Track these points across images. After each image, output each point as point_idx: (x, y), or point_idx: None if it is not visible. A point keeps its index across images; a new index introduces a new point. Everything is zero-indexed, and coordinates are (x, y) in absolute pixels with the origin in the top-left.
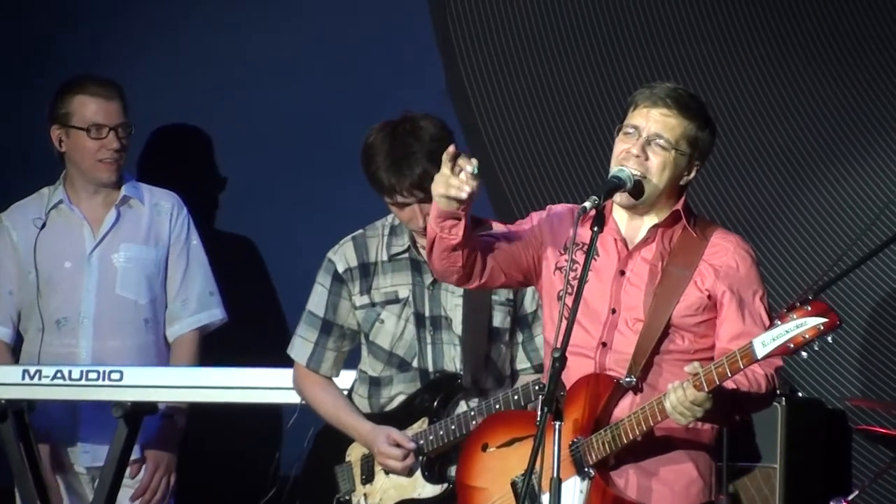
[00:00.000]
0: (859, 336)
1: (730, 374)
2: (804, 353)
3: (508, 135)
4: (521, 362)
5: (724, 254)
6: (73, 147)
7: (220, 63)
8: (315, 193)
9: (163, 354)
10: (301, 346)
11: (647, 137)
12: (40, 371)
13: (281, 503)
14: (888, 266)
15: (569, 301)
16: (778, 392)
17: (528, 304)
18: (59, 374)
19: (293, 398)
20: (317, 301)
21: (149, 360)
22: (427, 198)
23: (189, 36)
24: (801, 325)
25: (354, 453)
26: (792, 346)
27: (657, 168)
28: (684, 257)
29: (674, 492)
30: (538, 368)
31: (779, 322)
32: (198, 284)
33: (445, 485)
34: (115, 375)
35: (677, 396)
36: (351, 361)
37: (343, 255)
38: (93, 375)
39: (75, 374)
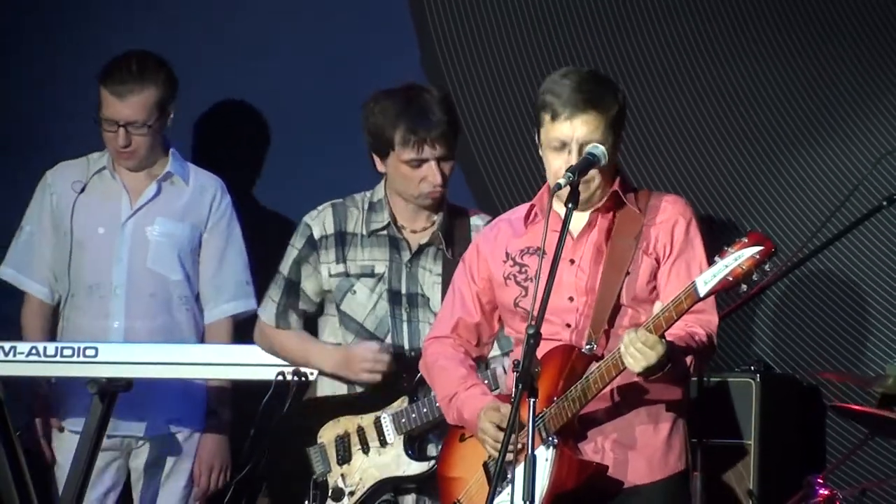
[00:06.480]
0: (828, 312)
1: (676, 317)
2: (744, 287)
3: (483, 113)
4: (493, 350)
5: (662, 212)
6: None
7: (187, 42)
8: (299, 166)
9: (199, 333)
10: (269, 306)
11: (579, 147)
12: (15, 347)
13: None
14: (860, 242)
15: (532, 286)
16: (752, 368)
17: None
18: (34, 351)
19: (270, 375)
20: (285, 262)
21: (184, 338)
22: (449, 154)
23: (159, 13)
24: (738, 257)
25: (327, 434)
26: (731, 279)
27: (596, 170)
28: (627, 228)
29: (651, 464)
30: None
31: (718, 258)
32: (235, 272)
33: (431, 462)
34: (90, 352)
35: (629, 337)
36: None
37: (321, 222)
38: (67, 352)
39: (50, 351)
